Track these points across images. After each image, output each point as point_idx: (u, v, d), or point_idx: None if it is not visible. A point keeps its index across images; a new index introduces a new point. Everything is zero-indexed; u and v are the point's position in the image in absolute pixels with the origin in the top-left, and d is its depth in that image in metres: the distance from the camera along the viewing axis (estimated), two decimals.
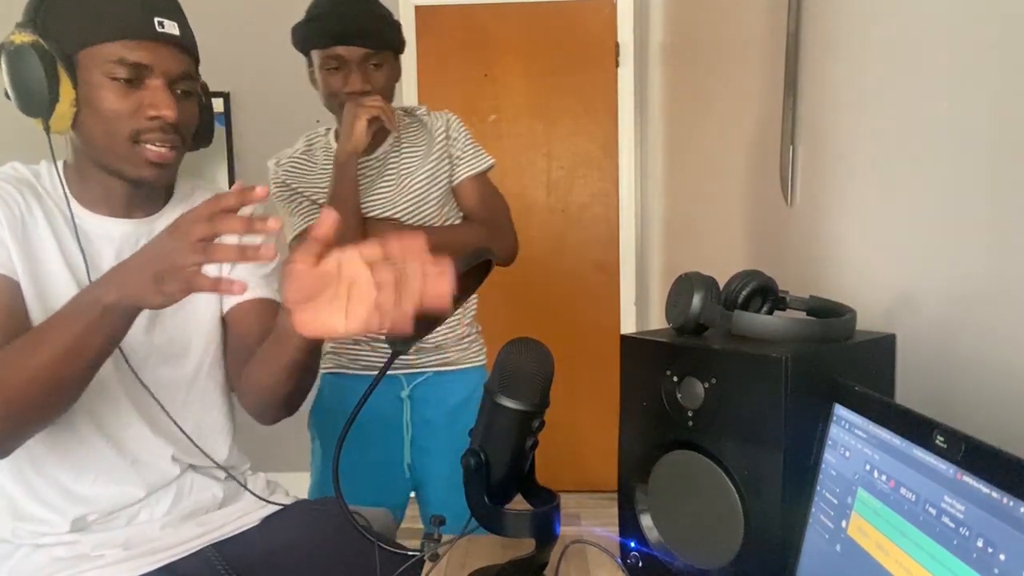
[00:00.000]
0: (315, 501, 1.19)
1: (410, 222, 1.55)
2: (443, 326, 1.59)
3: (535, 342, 0.92)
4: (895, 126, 1.10)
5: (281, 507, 1.14)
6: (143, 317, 0.99)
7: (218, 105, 3.04)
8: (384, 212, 1.54)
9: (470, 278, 0.88)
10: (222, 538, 1.07)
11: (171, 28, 0.96)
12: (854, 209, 1.24)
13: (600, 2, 3.07)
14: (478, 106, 3.10)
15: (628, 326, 3.15)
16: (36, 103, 0.93)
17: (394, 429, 1.59)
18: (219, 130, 3.09)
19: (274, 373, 0.97)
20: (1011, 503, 0.53)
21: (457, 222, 1.63)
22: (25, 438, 0.88)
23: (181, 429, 1.03)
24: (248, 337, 1.08)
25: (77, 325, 0.81)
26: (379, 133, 1.54)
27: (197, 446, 1.05)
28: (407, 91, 3.04)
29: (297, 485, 1.20)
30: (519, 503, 0.98)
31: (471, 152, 1.63)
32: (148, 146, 0.97)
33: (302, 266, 0.72)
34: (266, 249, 0.75)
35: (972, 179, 0.92)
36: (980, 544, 0.55)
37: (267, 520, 1.12)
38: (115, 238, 1.02)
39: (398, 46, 1.53)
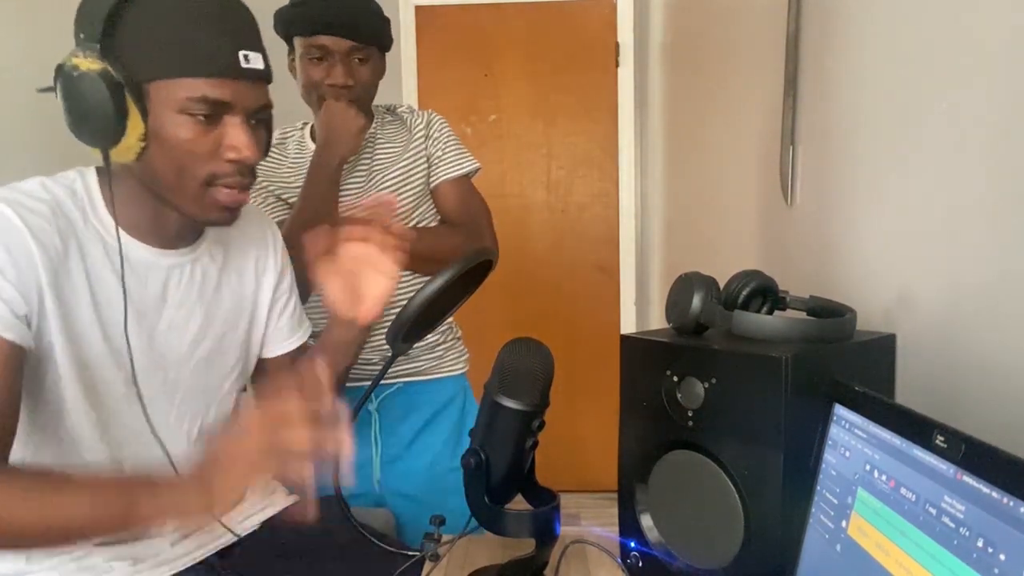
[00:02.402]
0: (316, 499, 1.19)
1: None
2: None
3: (535, 342, 0.92)
4: (895, 126, 1.10)
5: (282, 509, 1.13)
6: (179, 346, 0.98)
7: None
8: (353, 209, 1.43)
9: (470, 279, 0.88)
10: (226, 544, 1.07)
11: (255, 62, 0.88)
12: (854, 209, 1.24)
13: (600, 2, 3.07)
14: (478, 106, 3.10)
15: (628, 326, 3.15)
16: (98, 134, 0.84)
17: (362, 443, 1.51)
18: None
19: None
20: (1011, 503, 0.53)
21: (433, 224, 1.54)
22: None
23: (174, 466, 0.95)
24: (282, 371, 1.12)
25: (102, 515, 0.76)
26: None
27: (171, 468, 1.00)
28: (407, 91, 3.04)
29: None
30: (519, 503, 0.98)
31: (453, 153, 1.54)
32: (223, 189, 0.90)
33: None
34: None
35: (972, 179, 0.92)
36: (980, 544, 0.55)
37: (268, 521, 1.12)
38: (163, 268, 0.96)
39: (386, 42, 1.47)
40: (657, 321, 3.04)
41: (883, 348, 0.92)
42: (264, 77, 0.90)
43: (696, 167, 2.48)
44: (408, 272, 1.50)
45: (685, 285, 0.94)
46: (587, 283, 3.18)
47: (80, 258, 0.88)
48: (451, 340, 1.58)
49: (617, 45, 3.07)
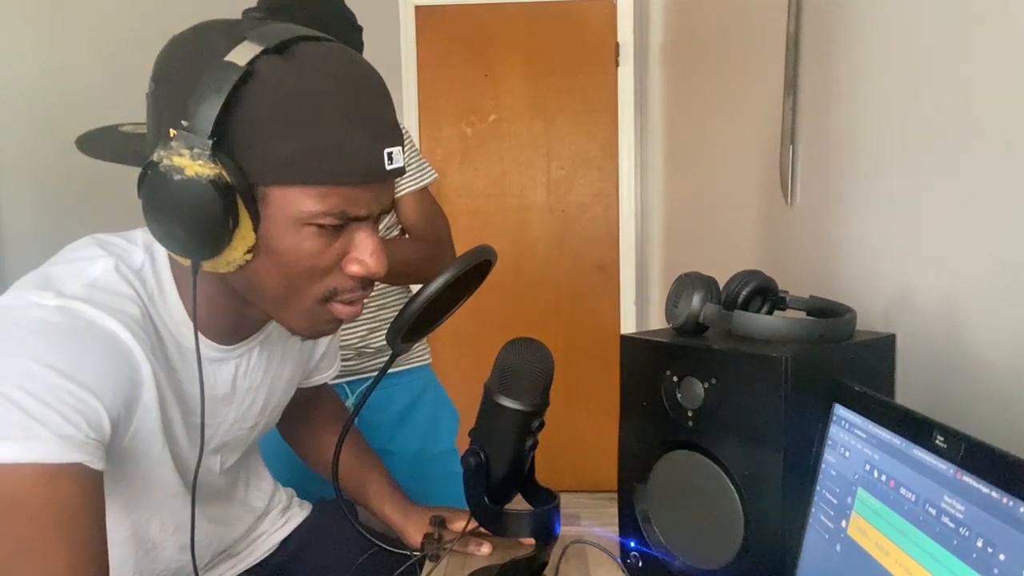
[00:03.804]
0: (323, 504, 1.19)
1: None
2: (377, 328, 1.56)
3: (535, 342, 0.92)
4: (895, 126, 1.10)
5: (301, 521, 1.14)
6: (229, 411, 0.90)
7: None
8: None
9: (470, 279, 0.88)
10: (254, 563, 1.08)
11: (398, 159, 0.72)
12: (854, 209, 1.24)
13: (600, 2, 3.07)
14: (478, 106, 3.10)
15: (628, 326, 3.15)
16: (194, 244, 0.68)
17: None
18: None
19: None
20: (1011, 503, 0.53)
21: (394, 234, 1.56)
22: None
23: (193, 548, 0.83)
24: (303, 394, 1.11)
25: None
26: None
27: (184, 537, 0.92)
28: (407, 91, 3.04)
29: None
30: (519, 503, 0.98)
31: (414, 165, 1.52)
32: (339, 306, 0.76)
33: None
34: None
35: (972, 179, 0.92)
36: (980, 544, 0.55)
37: (305, 534, 1.14)
38: (231, 361, 0.86)
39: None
40: (657, 321, 3.04)
41: (883, 348, 0.92)
42: (402, 173, 0.75)
43: (696, 167, 2.48)
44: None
45: (685, 285, 0.94)
46: (587, 283, 3.18)
47: (150, 363, 0.76)
48: None
49: (617, 45, 3.07)
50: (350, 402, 1.56)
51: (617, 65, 3.08)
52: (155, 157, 0.65)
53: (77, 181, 2.96)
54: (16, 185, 3.13)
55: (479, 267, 0.87)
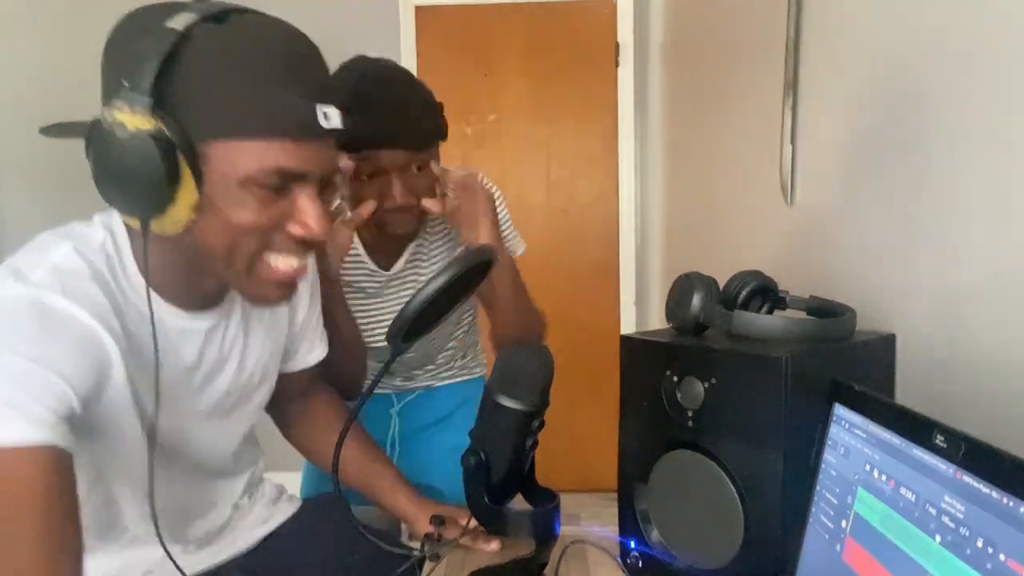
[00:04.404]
0: (317, 500, 1.20)
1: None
2: (438, 349, 1.47)
3: (535, 342, 0.92)
4: (895, 126, 1.10)
5: (289, 516, 1.14)
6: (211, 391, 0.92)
7: None
8: (381, 334, 1.32)
9: (470, 278, 0.88)
10: (238, 553, 1.08)
11: (335, 119, 0.75)
12: (854, 209, 1.24)
13: (600, 2, 3.07)
14: (478, 106, 3.10)
15: (628, 326, 3.15)
16: (141, 202, 0.70)
17: (380, 445, 1.47)
18: None
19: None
20: (1011, 503, 0.53)
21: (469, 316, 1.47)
22: None
23: (161, 540, 0.80)
24: (297, 387, 1.12)
25: None
26: (397, 243, 1.31)
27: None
28: None
29: (288, 485, 1.21)
30: (519, 503, 0.98)
31: (508, 236, 1.39)
32: (274, 263, 0.77)
33: None
34: None
35: (972, 179, 0.92)
36: (980, 544, 0.55)
37: (293, 529, 1.13)
38: (199, 332, 0.87)
39: (442, 137, 1.22)
40: (657, 321, 3.04)
41: (883, 348, 0.92)
42: (338, 134, 0.76)
43: (696, 167, 2.48)
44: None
45: (685, 285, 0.94)
46: (587, 283, 3.18)
47: (130, 327, 0.78)
48: (469, 346, 1.57)
49: (617, 45, 3.07)
50: (394, 411, 1.51)
51: (617, 65, 3.08)
52: (100, 116, 0.68)
53: (77, 186, 2.97)
54: (17, 189, 3.13)
55: (479, 267, 0.88)
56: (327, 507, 1.15)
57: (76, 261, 0.76)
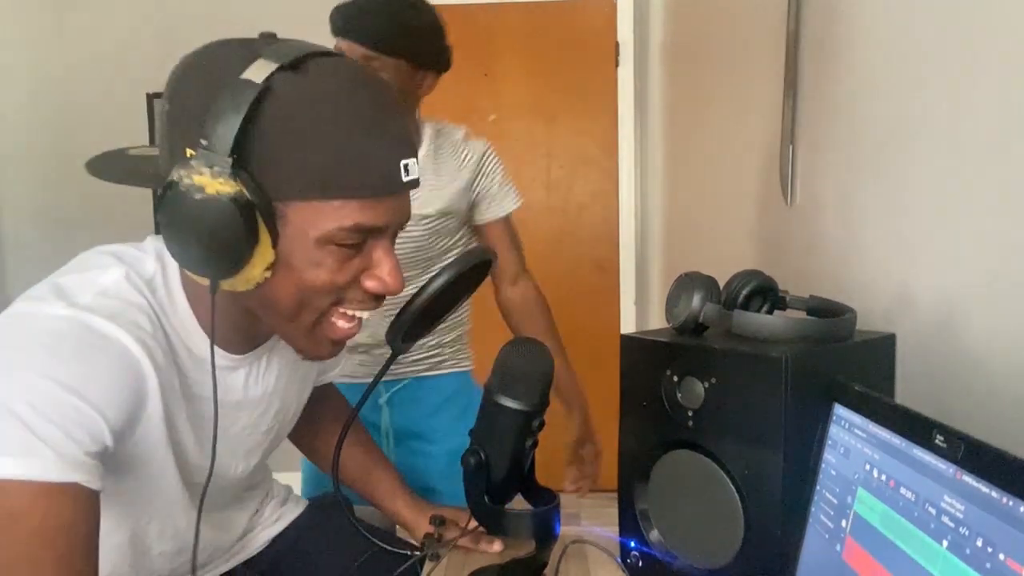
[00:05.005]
0: (321, 500, 1.19)
1: (424, 248, 1.47)
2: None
3: (535, 342, 0.92)
4: (895, 126, 1.10)
5: (296, 517, 1.14)
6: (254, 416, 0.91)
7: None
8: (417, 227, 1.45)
9: (469, 278, 0.88)
10: (248, 557, 1.08)
11: (414, 170, 0.72)
12: (854, 209, 1.24)
13: (600, 2, 3.07)
14: (478, 106, 3.10)
15: (628, 326, 3.15)
16: (213, 263, 0.68)
17: (373, 435, 1.53)
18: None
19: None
20: (1011, 503, 0.53)
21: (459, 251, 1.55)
22: None
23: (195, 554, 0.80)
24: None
25: None
26: None
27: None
28: None
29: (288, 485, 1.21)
30: (519, 503, 0.98)
31: (506, 190, 1.57)
32: (337, 321, 0.75)
33: None
34: None
35: (972, 178, 0.92)
36: (980, 544, 0.55)
37: (300, 530, 1.13)
38: (241, 370, 0.86)
39: (409, 54, 1.36)
40: (657, 321, 3.04)
41: (883, 348, 0.92)
42: (417, 186, 0.74)
43: (696, 167, 2.48)
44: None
45: (685, 285, 0.94)
46: (587, 283, 3.18)
47: (176, 365, 0.78)
48: (456, 345, 1.61)
49: (617, 45, 3.07)
50: (383, 400, 1.55)
51: (617, 65, 3.08)
52: (175, 176, 0.65)
53: (77, 192, 2.97)
54: (16, 196, 3.13)
55: (479, 267, 0.88)
56: (332, 508, 1.15)
57: (127, 289, 0.74)
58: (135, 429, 0.74)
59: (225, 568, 1.05)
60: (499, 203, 1.56)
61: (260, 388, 0.89)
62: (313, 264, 0.70)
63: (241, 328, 0.81)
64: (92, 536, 0.68)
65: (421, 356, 1.56)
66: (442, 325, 1.52)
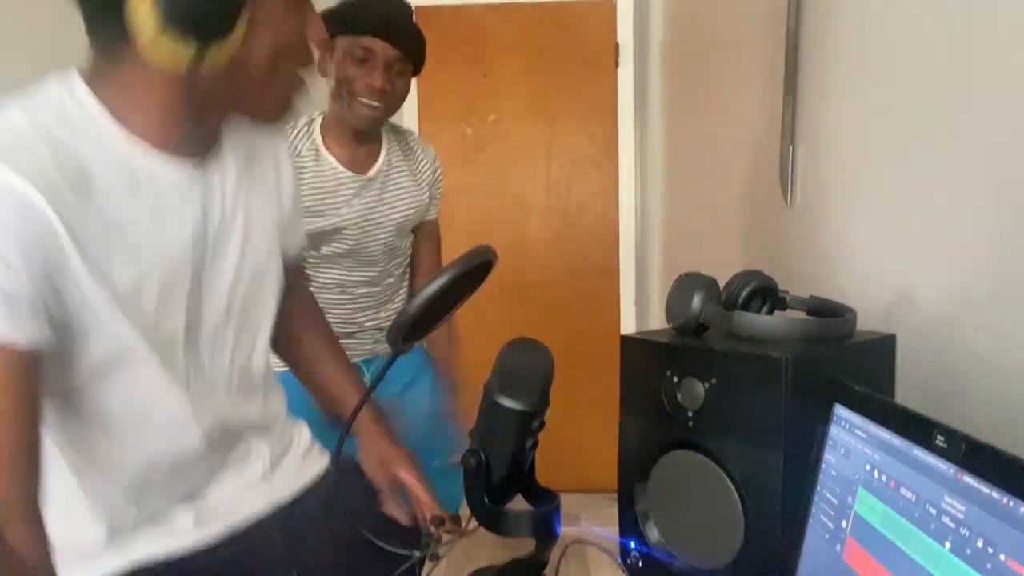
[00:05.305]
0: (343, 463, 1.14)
1: (389, 249, 1.63)
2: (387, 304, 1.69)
3: (535, 342, 0.92)
4: (895, 126, 1.10)
5: (324, 472, 1.10)
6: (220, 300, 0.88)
7: None
8: (373, 233, 1.59)
9: (470, 279, 0.88)
10: (279, 503, 1.04)
11: None
12: (854, 209, 1.24)
13: (600, 2, 3.07)
14: (478, 106, 3.10)
15: (628, 326, 3.15)
16: (204, 26, 0.69)
17: None
18: None
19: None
20: (1011, 503, 0.53)
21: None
22: None
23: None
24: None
25: None
26: (371, 145, 1.57)
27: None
28: None
29: None
30: (519, 503, 0.98)
31: (441, 193, 1.73)
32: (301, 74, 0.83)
33: None
34: None
35: (972, 178, 0.92)
36: (980, 544, 0.55)
37: (322, 491, 1.09)
38: (198, 184, 0.82)
39: (421, 64, 1.54)
40: (657, 321, 3.04)
41: (883, 348, 0.92)
42: None
43: (696, 167, 2.48)
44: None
45: (685, 285, 0.94)
46: (587, 283, 3.18)
47: (97, 196, 0.72)
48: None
49: (617, 45, 3.07)
50: (366, 379, 1.60)
51: (617, 65, 3.07)
52: None
53: None
54: None
55: (479, 267, 0.87)
56: (353, 472, 1.11)
57: (28, 127, 0.69)
58: (60, 278, 0.70)
59: (251, 511, 1.00)
60: (438, 204, 1.73)
61: (218, 209, 0.85)
62: (282, 21, 0.76)
63: (186, 124, 0.78)
64: (25, 396, 0.68)
65: (381, 341, 1.68)
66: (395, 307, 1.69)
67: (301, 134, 1.56)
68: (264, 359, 1.01)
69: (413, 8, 1.54)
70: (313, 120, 1.57)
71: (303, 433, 1.13)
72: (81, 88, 0.74)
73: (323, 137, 1.55)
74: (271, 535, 1.01)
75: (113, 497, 0.87)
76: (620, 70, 3.08)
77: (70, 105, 0.73)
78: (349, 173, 1.55)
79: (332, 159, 1.54)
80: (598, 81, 3.09)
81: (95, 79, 0.75)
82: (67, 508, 0.83)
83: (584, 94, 3.10)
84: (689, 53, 2.59)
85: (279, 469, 1.07)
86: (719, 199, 2.16)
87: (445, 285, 0.82)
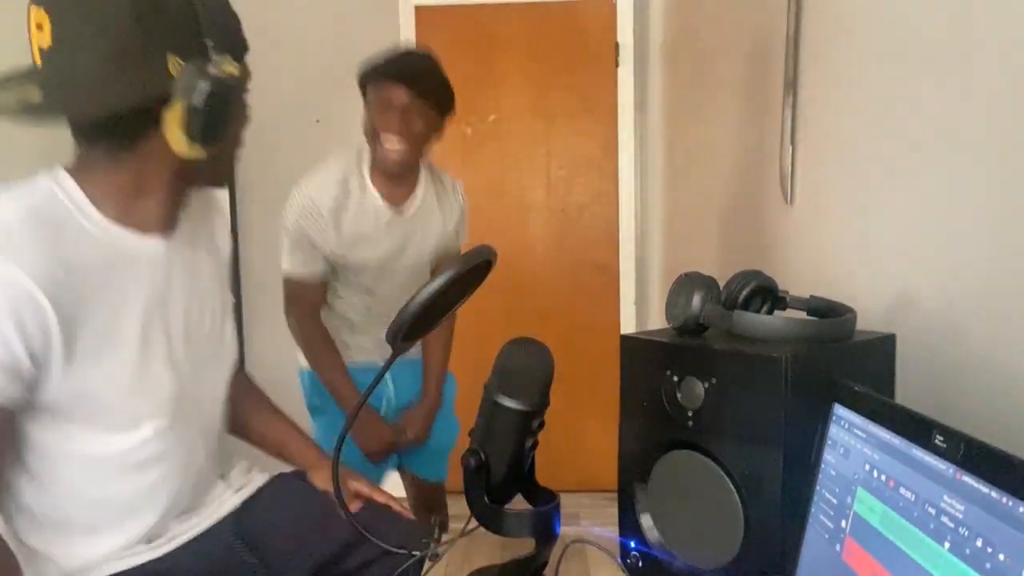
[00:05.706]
0: (286, 473, 1.18)
1: (406, 280, 1.66)
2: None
3: (535, 342, 0.92)
4: (895, 126, 1.10)
5: (267, 480, 1.15)
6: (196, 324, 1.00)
7: None
8: (391, 274, 1.65)
9: (470, 279, 0.88)
10: (221, 518, 1.07)
11: None
12: (854, 209, 1.24)
13: (600, 2, 3.07)
14: (478, 106, 3.10)
15: (628, 326, 3.14)
16: (228, 133, 0.89)
17: (375, 405, 1.72)
18: None
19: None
20: (1011, 503, 0.53)
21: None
22: None
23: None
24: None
25: None
26: (408, 183, 1.63)
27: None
28: None
29: None
30: (519, 503, 0.98)
31: (465, 221, 1.78)
32: None
33: None
34: None
35: (972, 179, 0.92)
36: (979, 544, 0.55)
37: (267, 495, 1.13)
38: (164, 254, 0.95)
39: (443, 104, 1.59)
40: (657, 321, 3.04)
41: (883, 348, 0.92)
42: None
43: (696, 166, 2.48)
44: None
45: (685, 285, 0.94)
46: (587, 283, 3.18)
47: (81, 271, 0.84)
48: None
49: (617, 45, 3.07)
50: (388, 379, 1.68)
51: (617, 65, 3.07)
52: (213, 71, 0.83)
53: None
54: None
55: (479, 267, 0.87)
56: (298, 477, 1.16)
57: (15, 210, 0.81)
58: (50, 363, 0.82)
59: (199, 529, 1.05)
60: (463, 235, 1.79)
61: (182, 272, 0.97)
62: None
63: (140, 204, 0.90)
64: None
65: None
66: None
67: (351, 166, 1.62)
68: (220, 419, 1.09)
69: (436, 58, 1.62)
70: (361, 152, 1.62)
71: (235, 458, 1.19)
72: (69, 180, 0.87)
73: (370, 171, 1.61)
74: (227, 536, 1.05)
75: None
76: (620, 70, 3.07)
77: (59, 193, 0.86)
78: (388, 208, 1.61)
79: (376, 193, 1.61)
80: (598, 81, 3.09)
81: (81, 174, 0.88)
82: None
83: (584, 94, 3.10)
84: (689, 53, 2.59)
85: (216, 489, 1.11)
86: (719, 199, 2.16)
87: (445, 285, 0.82)
